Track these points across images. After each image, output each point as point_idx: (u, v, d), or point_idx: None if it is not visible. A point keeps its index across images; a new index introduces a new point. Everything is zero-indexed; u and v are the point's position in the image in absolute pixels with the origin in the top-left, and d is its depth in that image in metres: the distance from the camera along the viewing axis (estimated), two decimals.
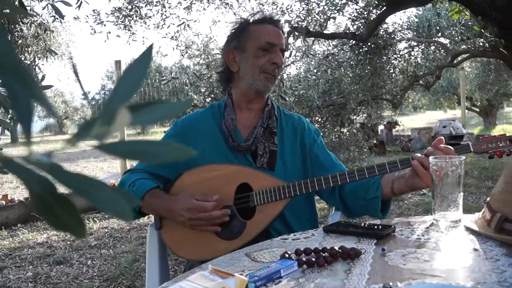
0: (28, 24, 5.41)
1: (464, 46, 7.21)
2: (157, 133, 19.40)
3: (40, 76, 5.14)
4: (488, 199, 1.20)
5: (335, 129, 5.49)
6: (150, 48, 0.38)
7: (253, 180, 1.52)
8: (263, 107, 1.72)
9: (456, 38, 7.28)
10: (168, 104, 0.35)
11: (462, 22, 6.76)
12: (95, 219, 5.14)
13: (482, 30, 5.53)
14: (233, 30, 1.73)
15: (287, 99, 4.53)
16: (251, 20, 1.72)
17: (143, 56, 0.37)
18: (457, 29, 7.21)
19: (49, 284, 3.35)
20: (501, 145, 1.46)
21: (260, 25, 1.69)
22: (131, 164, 7.33)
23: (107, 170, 9.73)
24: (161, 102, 0.34)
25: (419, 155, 1.43)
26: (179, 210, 1.50)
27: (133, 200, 0.34)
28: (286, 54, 5.65)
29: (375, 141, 8.31)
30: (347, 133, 5.64)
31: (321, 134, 1.83)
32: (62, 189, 0.32)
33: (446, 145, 1.42)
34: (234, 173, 1.55)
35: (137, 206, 1.58)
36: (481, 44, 6.47)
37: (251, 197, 1.51)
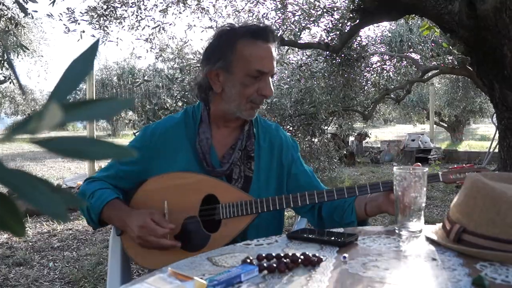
0: None
1: (434, 63, 7.41)
2: (128, 135, 19.12)
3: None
4: (448, 210, 1.23)
5: (306, 139, 5.54)
6: (95, 44, 0.37)
7: (220, 192, 1.46)
8: (242, 125, 1.59)
9: (427, 54, 7.48)
10: (107, 103, 0.34)
11: (433, 38, 6.95)
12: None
13: (451, 47, 5.69)
14: (218, 43, 1.51)
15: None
16: (239, 30, 1.49)
17: (87, 52, 0.36)
18: (428, 45, 7.40)
19: (6, 286, 3.24)
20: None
21: (250, 43, 1.46)
22: (99, 165, 7.20)
23: (75, 170, 9.53)
24: (101, 100, 0.34)
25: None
26: (131, 225, 1.41)
27: (75, 201, 0.33)
28: None
29: (345, 152, 8.41)
30: (318, 143, 5.70)
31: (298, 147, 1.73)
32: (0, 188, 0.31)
33: None
34: (201, 183, 1.48)
35: (97, 214, 1.50)
36: (450, 61, 6.66)
37: (217, 210, 1.45)
